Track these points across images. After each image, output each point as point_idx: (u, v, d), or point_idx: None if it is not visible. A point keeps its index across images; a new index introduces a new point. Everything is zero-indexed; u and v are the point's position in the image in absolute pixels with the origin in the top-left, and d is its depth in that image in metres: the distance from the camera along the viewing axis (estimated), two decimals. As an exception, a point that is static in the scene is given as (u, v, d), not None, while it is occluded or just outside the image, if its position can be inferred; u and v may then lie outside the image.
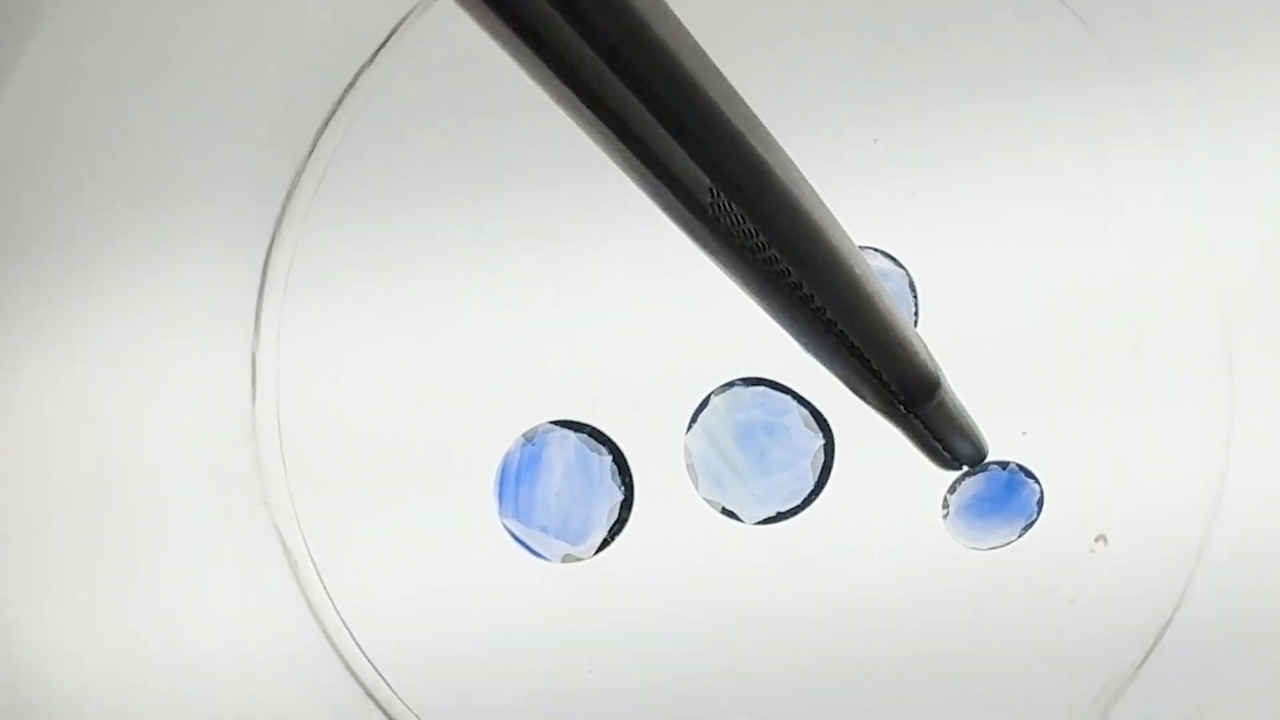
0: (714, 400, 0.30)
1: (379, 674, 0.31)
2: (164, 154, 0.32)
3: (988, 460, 0.29)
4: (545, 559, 0.30)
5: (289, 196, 0.32)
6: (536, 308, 0.31)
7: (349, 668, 0.31)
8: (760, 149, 0.16)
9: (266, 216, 0.32)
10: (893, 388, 0.22)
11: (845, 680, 0.30)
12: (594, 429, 0.30)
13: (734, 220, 0.16)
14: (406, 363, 0.31)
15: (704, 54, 0.15)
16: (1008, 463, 0.29)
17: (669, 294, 0.30)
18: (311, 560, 0.31)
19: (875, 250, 0.30)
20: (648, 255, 0.31)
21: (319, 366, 0.32)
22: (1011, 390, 0.29)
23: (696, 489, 0.30)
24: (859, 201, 0.30)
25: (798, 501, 0.29)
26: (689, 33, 0.15)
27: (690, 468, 0.30)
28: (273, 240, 0.32)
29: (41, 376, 0.33)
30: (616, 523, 0.30)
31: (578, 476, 0.30)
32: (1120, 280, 0.29)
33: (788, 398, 0.29)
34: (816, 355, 0.21)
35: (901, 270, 0.30)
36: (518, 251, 0.31)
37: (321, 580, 0.31)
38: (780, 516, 0.29)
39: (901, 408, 0.22)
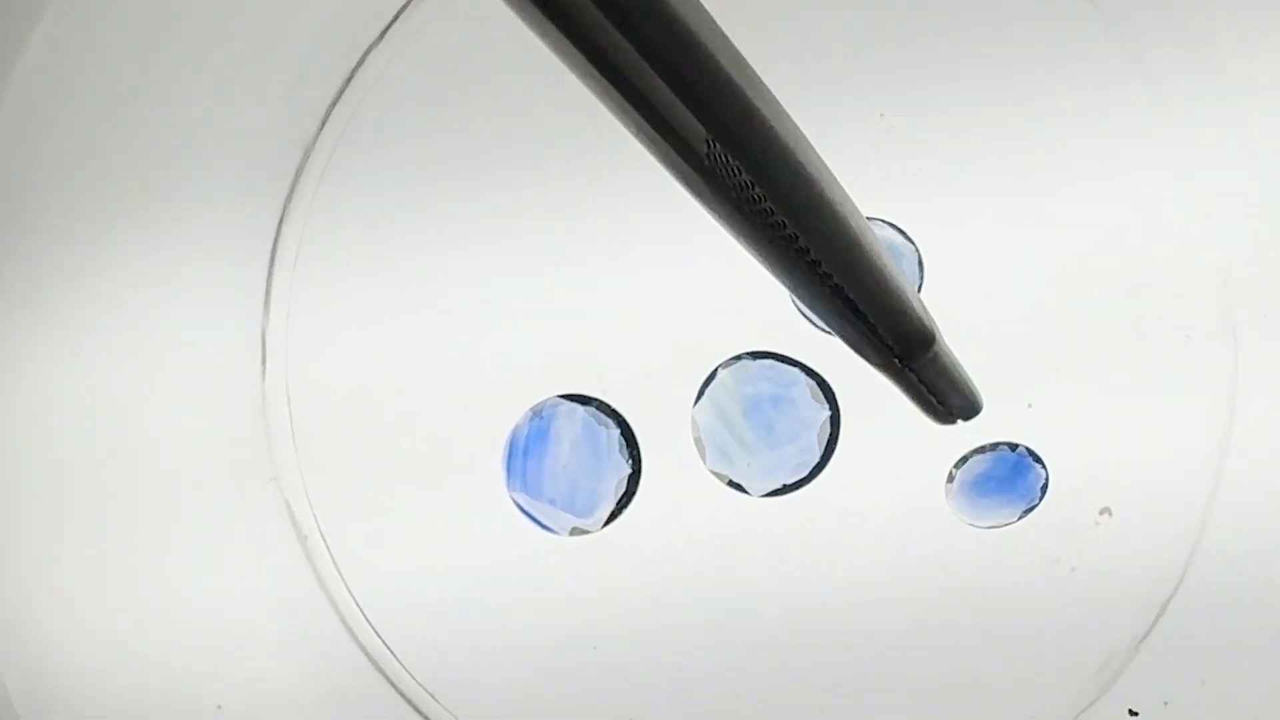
0: (721, 373, 0.30)
1: (388, 648, 0.31)
2: (174, 132, 0.32)
3: (997, 441, 0.29)
4: (553, 532, 0.30)
5: (298, 174, 0.32)
6: (545, 283, 0.31)
7: (358, 642, 0.31)
8: (756, 101, 0.16)
9: (276, 194, 0.32)
10: (888, 341, 0.22)
11: (850, 651, 0.30)
12: (602, 402, 0.30)
13: (730, 172, 0.16)
14: (415, 338, 0.32)
15: (700, 5, 0.15)
16: (1017, 445, 0.29)
17: (676, 268, 0.31)
18: (321, 535, 0.32)
19: (885, 223, 0.30)
20: (655, 229, 0.31)
21: (329, 343, 0.32)
22: (1016, 363, 0.29)
23: (704, 462, 0.30)
24: (865, 176, 0.30)
25: (804, 474, 0.29)
26: None
27: (698, 441, 0.30)
28: (282, 217, 0.32)
29: (52, 354, 0.33)
30: (624, 495, 0.30)
31: (585, 449, 0.30)
32: (1123, 255, 0.29)
33: (795, 369, 0.30)
34: (813, 308, 0.21)
35: (911, 245, 0.30)
36: (526, 227, 0.31)
37: (331, 555, 0.31)
38: (787, 489, 0.30)
39: (897, 361, 0.22)
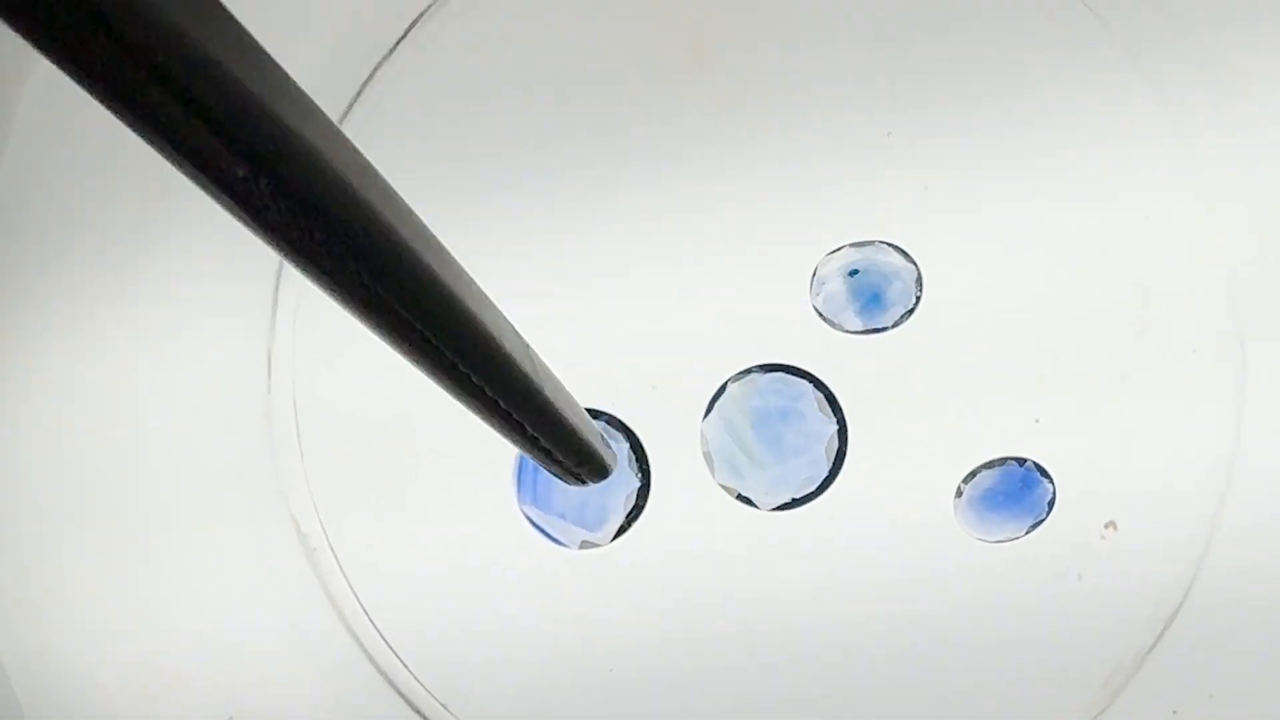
0: (730, 387, 0.30)
1: (397, 658, 0.31)
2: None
3: (1005, 455, 0.29)
4: (563, 545, 0.30)
5: (307, 186, 0.32)
6: (553, 296, 0.31)
7: (366, 653, 0.31)
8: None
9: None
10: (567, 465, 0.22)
11: (858, 664, 0.30)
12: (611, 416, 0.30)
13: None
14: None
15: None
16: (1025, 459, 0.29)
17: (685, 281, 0.31)
18: (329, 547, 0.32)
19: (886, 244, 0.30)
20: (663, 243, 0.31)
21: (335, 354, 0.32)
22: (1023, 378, 0.30)
23: (713, 476, 0.30)
24: (873, 193, 0.30)
25: (813, 487, 0.30)
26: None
27: (707, 454, 0.30)
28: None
29: (58, 366, 0.33)
30: (633, 509, 0.30)
31: None
32: (1129, 268, 0.30)
33: (804, 382, 0.30)
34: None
35: (911, 265, 0.30)
36: (535, 240, 0.31)
37: (339, 566, 0.31)
38: (795, 503, 0.30)
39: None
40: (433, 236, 0.18)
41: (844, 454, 0.30)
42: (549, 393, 0.22)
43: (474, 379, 0.19)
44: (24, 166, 0.33)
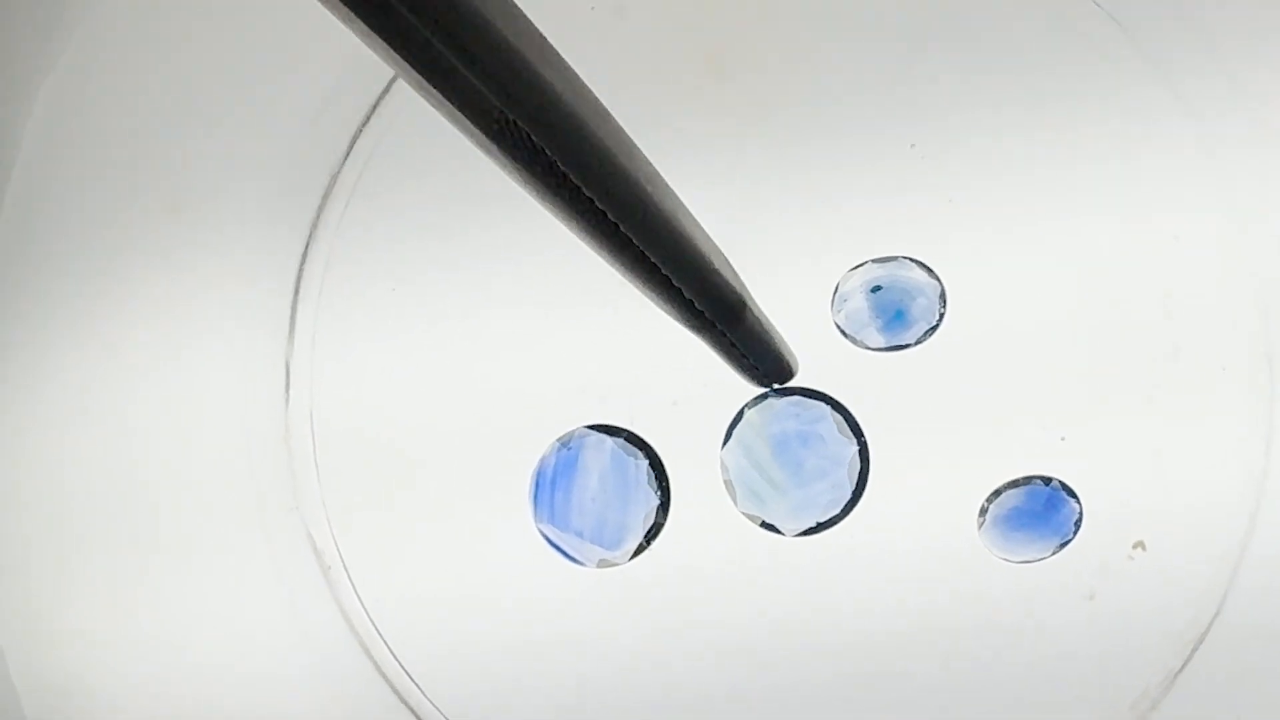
0: (748, 413, 0.30)
1: (410, 678, 0.31)
2: (200, 159, 0.32)
3: (1030, 474, 0.29)
4: (581, 564, 0.30)
5: (323, 202, 0.32)
6: (572, 311, 0.31)
7: (380, 671, 0.31)
8: (549, 79, 0.17)
9: (301, 221, 0.32)
10: (698, 306, 0.23)
11: (880, 686, 0.29)
12: (630, 433, 0.30)
13: (521, 137, 0.17)
14: (440, 367, 0.31)
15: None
16: (1051, 479, 0.29)
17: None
18: (344, 564, 0.31)
19: (909, 260, 0.30)
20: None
21: (353, 370, 0.32)
22: (1049, 396, 0.29)
23: (735, 505, 0.30)
24: (896, 207, 0.30)
25: (837, 511, 0.29)
26: None
27: (728, 483, 0.30)
28: (308, 244, 0.32)
29: (75, 379, 0.33)
30: (652, 528, 0.30)
31: (614, 481, 0.30)
32: (1158, 285, 0.29)
33: (821, 404, 0.29)
34: (622, 273, 0.22)
35: (935, 282, 0.30)
36: (552, 255, 0.31)
37: (354, 585, 0.31)
38: (820, 527, 0.29)
39: (711, 324, 0.24)
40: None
41: (867, 475, 0.29)
42: (738, 287, 0.24)
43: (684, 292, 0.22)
44: (36, 180, 0.33)
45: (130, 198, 0.33)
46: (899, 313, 0.29)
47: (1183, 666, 0.29)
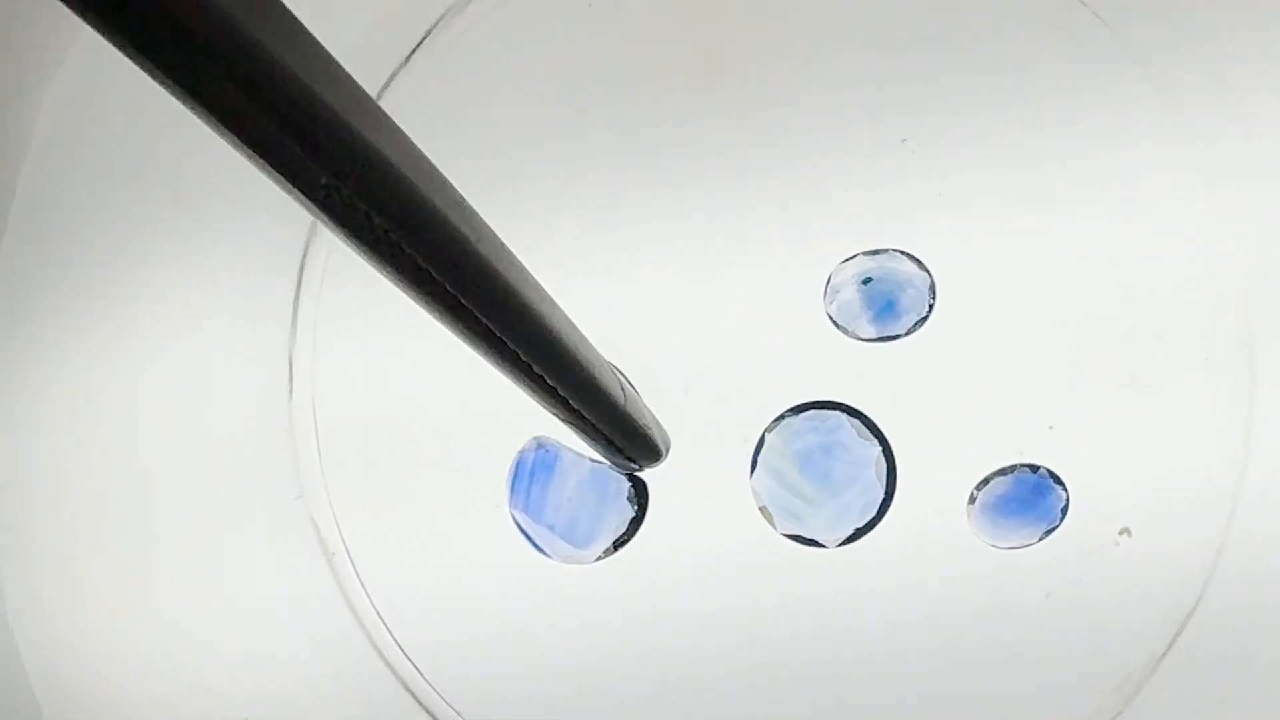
0: (768, 437, 0.30)
1: (412, 663, 0.31)
2: (203, 152, 0.33)
3: (1018, 462, 0.29)
4: (548, 556, 0.30)
5: (325, 195, 0.32)
6: (574, 299, 0.31)
7: (384, 658, 0.32)
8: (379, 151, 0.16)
9: (304, 215, 0.32)
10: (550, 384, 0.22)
11: (869, 669, 0.30)
12: None
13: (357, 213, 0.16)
14: (441, 357, 0.32)
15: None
16: (1038, 466, 0.29)
17: (698, 290, 0.31)
18: (347, 552, 0.32)
19: (899, 252, 0.30)
20: (677, 251, 0.31)
21: (355, 361, 0.32)
22: (1036, 385, 0.30)
23: (774, 528, 0.30)
24: (888, 200, 0.31)
25: (874, 513, 0.30)
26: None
27: (763, 509, 0.30)
28: (309, 237, 0.33)
29: (80, 372, 0.33)
30: (621, 538, 0.30)
31: (591, 490, 0.30)
32: (1142, 276, 0.30)
33: (837, 414, 0.30)
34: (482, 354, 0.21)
35: (925, 274, 0.30)
36: (553, 247, 0.32)
37: (357, 572, 0.32)
38: (860, 532, 0.30)
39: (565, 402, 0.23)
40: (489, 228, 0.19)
41: (895, 472, 0.30)
42: (595, 372, 0.23)
43: (533, 366, 0.21)
44: (44, 174, 0.33)
45: (136, 191, 0.33)
46: (889, 304, 0.30)
47: (1167, 649, 0.29)
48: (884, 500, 0.30)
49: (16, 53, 0.33)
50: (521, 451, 0.31)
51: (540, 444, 0.31)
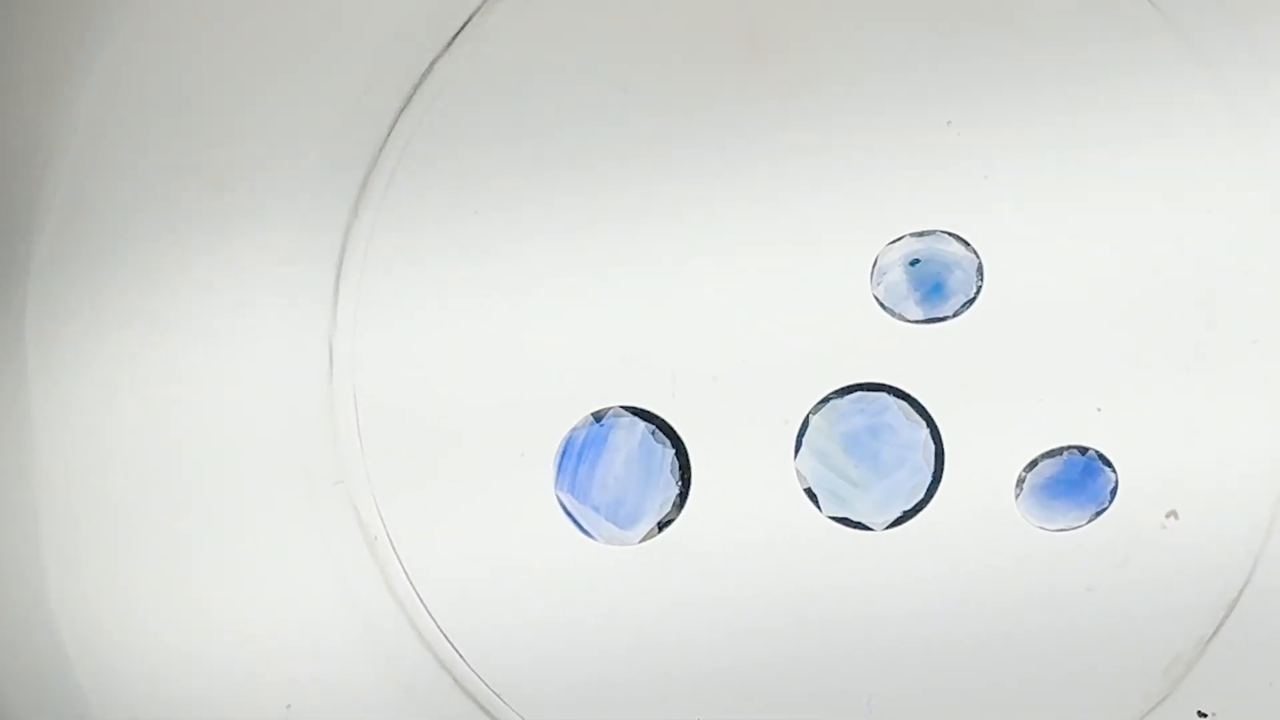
0: (813, 419, 0.30)
1: (455, 650, 0.31)
2: (244, 136, 0.33)
3: (1067, 444, 0.29)
4: (592, 538, 0.30)
5: (366, 178, 0.33)
6: (615, 285, 0.31)
7: (426, 643, 0.31)
8: None
9: (344, 198, 0.33)
10: None
11: (914, 653, 0.30)
12: (663, 421, 0.30)
13: None
14: (482, 341, 0.32)
15: None
16: (1087, 448, 0.29)
17: (745, 273, 0.31)
18: (388, 537, 0.32)
19: (946, 233, 0.30)
20: (722, 235, 0.31)
21: (396, 345, 0.32)
22: (1084, 367, 0.30)
23: (820, 511, 0.30)
24: (933, 182, 0.31)
25: (921, 495, 0.30)
26: None
27: (809, 491, 0.30)
28: (351, 222, 0.33)
29: (120, 357, 0.33)
30: (667, 516, 0.30)
31: (639, 465, 0.30)
32: (1192, 259, 0.30)
33: (884, 395, 0.30)
34: None
35: (972, 255, 0.30)
36: (595, 229, 0.32)
37: (399, 557, 0.32)
38: (907, 515, 0.30)
39: None
40: None
41: (943, 454, 0.30)
42: None
43: None
44: (82, 163, 0.33)
45: (174, 175, 0.33)
46: (937, 285, 0.30)
47: (1214, 633, 0.29)
48: (931, 483, 0.30)
49: (54, 42, 0.33)
50: (573, 430, 0.31)
51: (596, 419, 0.31)
